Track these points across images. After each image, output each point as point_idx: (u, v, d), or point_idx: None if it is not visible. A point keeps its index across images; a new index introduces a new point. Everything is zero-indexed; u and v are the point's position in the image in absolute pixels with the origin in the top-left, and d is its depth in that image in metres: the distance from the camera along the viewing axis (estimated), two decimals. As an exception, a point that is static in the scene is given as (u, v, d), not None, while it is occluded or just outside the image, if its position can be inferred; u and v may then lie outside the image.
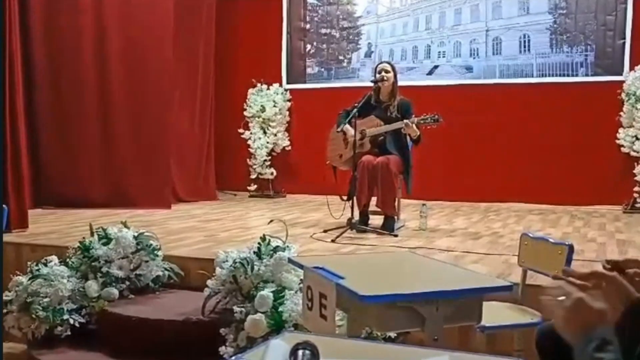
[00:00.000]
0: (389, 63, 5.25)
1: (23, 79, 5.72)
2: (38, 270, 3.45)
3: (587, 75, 6.82)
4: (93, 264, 3.54)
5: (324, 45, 8.02)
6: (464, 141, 7.02)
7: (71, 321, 3.35)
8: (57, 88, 6.19)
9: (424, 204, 5.19)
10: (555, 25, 6.98)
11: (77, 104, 6.21)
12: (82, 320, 3.40)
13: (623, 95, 6.38)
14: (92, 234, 3.69)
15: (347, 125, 4.90)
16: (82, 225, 4.56)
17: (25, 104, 5.81)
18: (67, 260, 3.61)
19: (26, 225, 4.78)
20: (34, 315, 3.32)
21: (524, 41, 7.08)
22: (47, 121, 6.18)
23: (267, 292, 2.96)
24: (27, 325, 3.35)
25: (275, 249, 3.14)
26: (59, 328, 3.33)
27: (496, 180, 6.93)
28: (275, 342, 1.31)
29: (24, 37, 5.89)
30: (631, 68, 6.50)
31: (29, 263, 3.54)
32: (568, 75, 6.90)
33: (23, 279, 3.43)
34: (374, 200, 4.96)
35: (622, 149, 6.37)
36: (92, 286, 3.47)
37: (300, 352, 1.21)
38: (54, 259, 3.58)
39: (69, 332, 3.34)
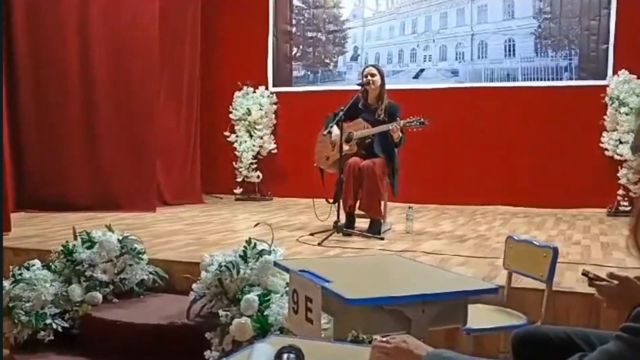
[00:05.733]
0: (375, 66, 5.26)
1: (6, 82, 5.67)
2: (20, 274, 3.41)
3: (571, 79, 6.88)
4: (76, 267, 3.51)
5: (310, 49, 8.02)
6: (449, 144, 7.04)
7: (54, 326, 3.31)
8: (41, 91, 6.13)
9: (410, 207, 5.21)
10: (539, 30, 7.04)
11: (62, 107, 6.16)
12: (66, 325, 3.36)
13: (607, 99, 6.44)
14: (75, 238, 3.65)
15: (335, 127, 4.89)
16: (65, 229, 4.52)
17: (8, 107, 5.76)
18: (50, 264, 3.57)
19: (9, 228, 4.72)
20: (16, 320, 3.28)
21: (509, 45, 7.13)
22: (30, 124, 6.12)
23: (252, 296, 2.95)
24: (9, 330, 3.30)
25: (261, 253, 3.13)
26: (42, 333, 3.29)
27: (482, 183, 6.96)
28: (260, 345, 1.30)
29: (8, 40, 5.84)
30: (615, 72, 6.57)
31: (11, 267, 3.50)
32: (552, 80, 6.95)
33: (5, 283, 3.39)
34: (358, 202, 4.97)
35: (605, 152, 6.43)
36: (76, 290, 3.43)
37: (285, 356, 1.21)
38: (37, 262, 3.54)
39: (52, 337, 3.30)
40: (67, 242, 3.63)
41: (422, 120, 4.75)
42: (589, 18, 6.83)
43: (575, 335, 1.81)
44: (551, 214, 6.41)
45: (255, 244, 3.18)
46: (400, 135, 4.79)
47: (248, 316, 2.89)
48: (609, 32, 6.73)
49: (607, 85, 6.50)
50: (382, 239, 4.73)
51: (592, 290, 1.80)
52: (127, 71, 6.32)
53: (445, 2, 7.42)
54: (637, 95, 6.29)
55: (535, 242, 2.72)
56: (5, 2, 5.74)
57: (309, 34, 8.01)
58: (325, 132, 5.01)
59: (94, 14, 6.24)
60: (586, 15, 6.84)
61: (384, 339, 1.30)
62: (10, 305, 3.31)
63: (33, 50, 6.09)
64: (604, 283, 1.74)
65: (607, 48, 6.73)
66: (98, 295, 3.46)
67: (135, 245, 3.67)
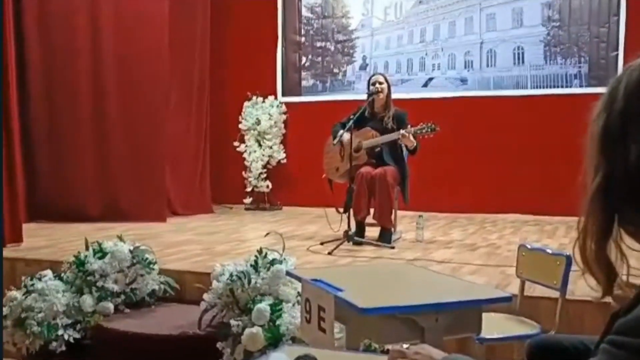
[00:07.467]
0: (381, 74, 5.27)
1: (18, 93, 5.71)
2: (32, 285, 3.42)
3: (581, 86, 6.85)
4: (88, 278, 3.51)
5: (319, 58, 8.04)
6: (459, 153, 7.02)
7: (66, 336, 3.32)
8: (52, 102, 6.17)
9: (420, 216, 5.19)
10: (549, 37, 7.02)
11: (72, 118, 6.20)
12: (77, 336, 3.36)
13: (617, 106, 6.40)
14: (87, 248, 3.66)
15: (346, 134, 4.88)
16: (77, 240, 4.53)
17: (20, 118, 5.80)
18: (62, 274, 3.58)
19: (21, 239, 4.75)
20: (28, 331, 3.28)
21: (518, 53, 7.12)
22: (41, 135, 6.16)
23: (264, 305, 2.94)
24: (21, 341, 3.32)
25: (272, 262, 3.12)
26: (54, 343, 3.30)
27: (492, 191, 6.93)
28: (276, 354, 1.30)
29: (19, 51, 5.89)
30: (625, 79, 6.53)
31: (23, 278, 3.51)
32: (562, 87, 6.93)
33: (17, 294, 3.40)
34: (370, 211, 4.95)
35: (616, 159, 6.38)
36: (87, 301, 3.44)
37: (301, 365, 1.20)
38: (49, 273, 3.55)
39: (63, 348, 3.31)
40: (78, 252, 3.64)
41: (433, 126, 4.71)
42: (598, 25, 6.81)
43: (592, 344, 1.79)
44: (562, 222, 6.36)
45: (266, 253, 3.18)
46: (415, 143, 4.77)
47: (260, 326, 2.89)
48: (618, 39, 6.70)
49: (617, 93, 6.46)
50: (393, 247, 4.72)
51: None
52: (137, 82, 6.34)
53: (453, 11, 7.43)
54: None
55: (548, 250, 2.70)
56: (16, 16, 5.78)
57: (318, 44, 8.04)
58: (335, 142, 5.01)
59: (104, 26, 6.28)
60: (595, 23, 6.82)
61: (400, 349, 1.29)
62: (23, 316, 3.32)
63: (44, 62, 6.12)
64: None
65: (617, 55, 6.70)
66: (109, 306, 3.47)
67: (147, 255, 3.67)
